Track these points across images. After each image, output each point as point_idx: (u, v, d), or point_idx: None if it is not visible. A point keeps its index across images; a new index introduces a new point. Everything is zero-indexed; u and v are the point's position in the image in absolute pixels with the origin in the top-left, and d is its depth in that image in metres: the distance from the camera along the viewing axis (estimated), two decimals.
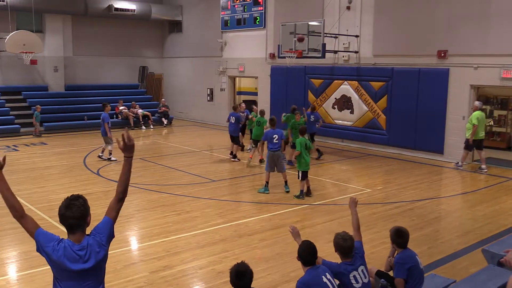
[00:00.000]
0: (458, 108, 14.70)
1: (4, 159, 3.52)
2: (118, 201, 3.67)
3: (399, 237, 5.26)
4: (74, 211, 3.42)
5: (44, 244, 3.38)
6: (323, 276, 4.48)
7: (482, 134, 13.72)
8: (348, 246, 4.78)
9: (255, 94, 22.62)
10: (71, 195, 3.52)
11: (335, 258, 5.03)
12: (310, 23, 16.55)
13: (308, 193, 10.91)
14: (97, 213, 9.80)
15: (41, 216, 9.30)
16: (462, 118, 14.60)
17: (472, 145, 13.74)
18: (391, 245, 5.42)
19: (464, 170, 13.99)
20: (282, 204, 10.29)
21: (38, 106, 19.93)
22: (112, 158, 14.61)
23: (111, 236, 3.57)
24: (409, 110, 15.75)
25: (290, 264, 7.08)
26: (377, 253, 7.60)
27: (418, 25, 15.44)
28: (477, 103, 13.73)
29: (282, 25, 17.43)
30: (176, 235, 8.40)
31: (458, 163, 14.11)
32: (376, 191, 11.50)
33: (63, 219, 3.44)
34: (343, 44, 17.57)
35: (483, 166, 13.65)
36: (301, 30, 16.58)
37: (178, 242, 8.10)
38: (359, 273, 4.75)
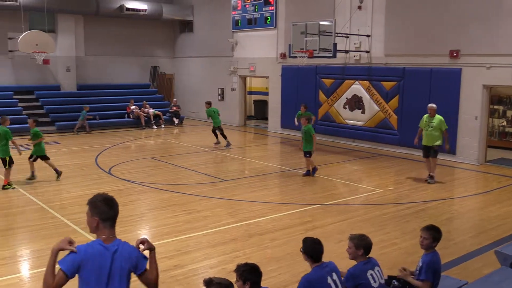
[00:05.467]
0: (471, 108, 14.57)
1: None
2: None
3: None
4: (116, 209, 3.53)
5: (73, 262, 3.34)
6: (328, 277, 4.48)
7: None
8: (371, 243, 4.93)
9: (266, 94, 22.62)
10: (103, 194, 3.58)
11: (345, 258, 5.02)
12: (321, 22, 16.51)
13: None
14: None
15: (53, 215, 9.36)
16: (475, 118, 14.48)
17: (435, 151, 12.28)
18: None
19: (477, 171, 13.87)
20: (293, 204, 10.28)
21: (86, 106, 20.94)
22: None
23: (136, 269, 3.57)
24: (421, 110, 15.53)
25: (301, 264, 7.03)
26: (387, 254, 7.56)
27: (430, 24, 15.34)
28: (434, 105, 12.34)
29: (293, 24, 17.39)
30: (187, 235, 8.41)
31: (431, 176, 12.27)
32: (387, 191, 11.43)
33: (109, 217, 3.49)
34: (354, 43, 17.51)
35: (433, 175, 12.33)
36: (312, 30, 16.55)
37: (189, 241, 8.11)
38: (375, 272, 4.78)
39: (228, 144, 17.13)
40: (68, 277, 3.31)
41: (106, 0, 22.72)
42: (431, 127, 12.11)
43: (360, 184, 12.33)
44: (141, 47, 25.55)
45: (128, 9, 23.00)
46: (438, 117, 12.17)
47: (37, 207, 9.94)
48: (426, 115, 12.37)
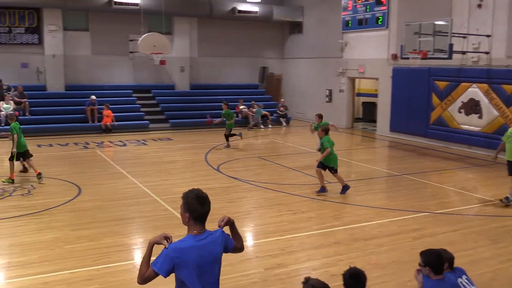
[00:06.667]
0: None
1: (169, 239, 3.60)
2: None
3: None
4: (207, 207, 3.67)
5: (171, 261, 3.52)
6: None
7: None
8: (453, 257, 4.77)
9: (375, 96, 22.10)
10: (197, 191, 3.71)
11: None
12: (436, 22, 15.80)
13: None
14: (216, 207, 10.15)
15: (165, 207, 9.86)
16: None
17: None
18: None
19: None
20: (400, 211, 9.92)
21: (261, 104, 22.87)
22: None
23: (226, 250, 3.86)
24: None
25: (407, 272, 6.79)
26: (504, 270, 7.04)
27: None
28: None
29: (406, 25, 16.83)
30: (291, 235, 8.44)
31: (508, 197, 10.34)
32: None
33: (200, 214, 3.63)
34: (473, 44, 16.50)
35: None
36: (426, 30, 15.91)
37: (293, 242, 8.14)
38: (464, 280, 4.57)
39: (228, 146, 17.20)
40: (158, 275, 3.51)
41: (219, 3, 23.52)
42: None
43: (474, 193, 11.60)
44: (251, 48, 26.08)
45: (240, 11, 23.60)
46: None
47: (150, 199, 10.52)
48: (510, 128, 10.67)
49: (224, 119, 17.38)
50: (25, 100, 19.89)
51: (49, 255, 7.40)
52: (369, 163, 14.87)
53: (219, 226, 3.78)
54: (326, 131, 11.34)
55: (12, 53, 20.95)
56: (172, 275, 3.58)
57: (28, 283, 6.49)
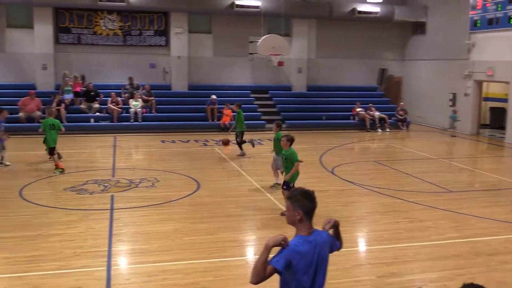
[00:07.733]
0: None
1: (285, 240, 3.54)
2: None
3: None
4: (316, 202, 3.71)
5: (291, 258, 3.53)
6: None
7: None
8: None
9: (505, 100, 20.54)
10: (301, 188, 3.76)
11: None
12: None
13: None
14: (331, 210, 10.11)
15: (278, 207, 9.94)
16: None
17: None
18: None
19: None
20: None
21: (455, 109, 21.17)
22: (6, 163, 13.44)
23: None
24: None
25: None
26: None
27: None
28: None
29: None
30: (407, 243, 8.12)
31: None
32: None
33: (311, 210, 3.67)
34: None
35: None
36: None
37: (408, 251, 7.82)
38: None
39: (243, 154, 15.55)
40: (278, 272, 3.53)
41: (339, 4, 23.28)
42: None
43: None
44: (370, 50, 25.46)
45: (360, 12, 23.16)
46: None
47: (265, 198, 10.70)
48: None
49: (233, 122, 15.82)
50: (152, 98, 21.23)
51: (168, 245, 7.81)
52: (496, 173, 13.83)
53: (324, 229, 3.80)
54: (291, 141, 9.52)
55: (142, 54, 22.48)
56: None
57: (148, 270, 6.90)
